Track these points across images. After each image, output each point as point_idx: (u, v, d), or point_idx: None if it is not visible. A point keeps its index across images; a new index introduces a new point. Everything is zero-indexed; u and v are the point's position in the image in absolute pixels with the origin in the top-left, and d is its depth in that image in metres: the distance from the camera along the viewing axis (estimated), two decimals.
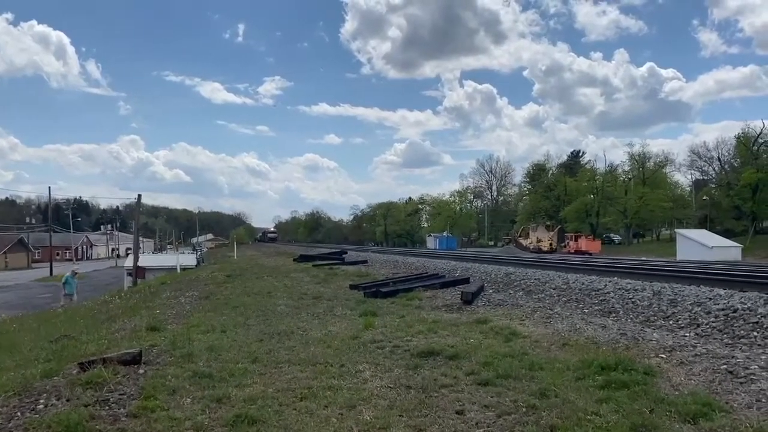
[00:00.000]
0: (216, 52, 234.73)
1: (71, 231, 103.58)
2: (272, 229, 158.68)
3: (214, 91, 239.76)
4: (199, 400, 5.49)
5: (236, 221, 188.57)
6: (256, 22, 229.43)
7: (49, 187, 79.36)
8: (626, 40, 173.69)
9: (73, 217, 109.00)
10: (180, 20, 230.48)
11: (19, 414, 5.11)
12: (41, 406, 5.31)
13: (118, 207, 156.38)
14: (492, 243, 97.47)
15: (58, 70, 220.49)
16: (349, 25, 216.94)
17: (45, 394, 5.62)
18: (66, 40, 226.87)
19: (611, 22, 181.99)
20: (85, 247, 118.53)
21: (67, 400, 5.43)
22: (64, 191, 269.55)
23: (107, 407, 5.29)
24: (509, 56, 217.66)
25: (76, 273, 29.14)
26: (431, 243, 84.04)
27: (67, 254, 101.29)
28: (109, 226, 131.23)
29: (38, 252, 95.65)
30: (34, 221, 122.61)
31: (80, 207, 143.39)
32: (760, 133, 65.20)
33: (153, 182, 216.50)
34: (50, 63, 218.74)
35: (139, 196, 45.28)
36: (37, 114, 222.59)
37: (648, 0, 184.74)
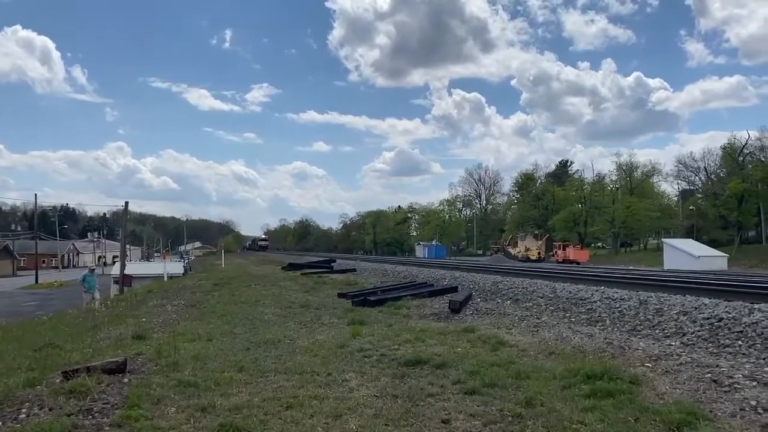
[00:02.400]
0: (203, 59, 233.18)
1: (57, 238, 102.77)
2: (263, 236, 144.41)
3: (201, 97, 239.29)
4: (184, 410, 5.44)
5: (224, 229, 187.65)
6: (243, 28, 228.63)
7: (36, 194, 79.69)
8: (614, 49, 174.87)
9: (59, 224, 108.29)
10: (166, 26, 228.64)
11: (0, 424, 5.04)
12: (23, 416, 5.24)
13: (105, 214, 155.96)
14: (481, 252, 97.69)
15: (43, 76, 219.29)
16: (337, 32, 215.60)
17: (27, 404, 5.55)
18: (51, 45, 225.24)
19: (600, 30, 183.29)
20: (71, 254, 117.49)
21: (50, 410, 5.37)
22: (50, 198, 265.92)
23: (90, 417, 5.23)
24: (497, 65, 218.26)
25: (93, 270, 28.76)
26: (420, 251, 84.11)
27: (53, 262, 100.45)
28: (96, 233, 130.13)
29: (24, 260, 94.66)
30: (19, 228, 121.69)
31: (67, 214, 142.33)
32: (746, 143, 66.03)
33: (140, 189, 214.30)
34: (35, 68, 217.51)
35: (126, 203, 45.08)
36: (22, 120, 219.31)
37: (636, 9, 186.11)
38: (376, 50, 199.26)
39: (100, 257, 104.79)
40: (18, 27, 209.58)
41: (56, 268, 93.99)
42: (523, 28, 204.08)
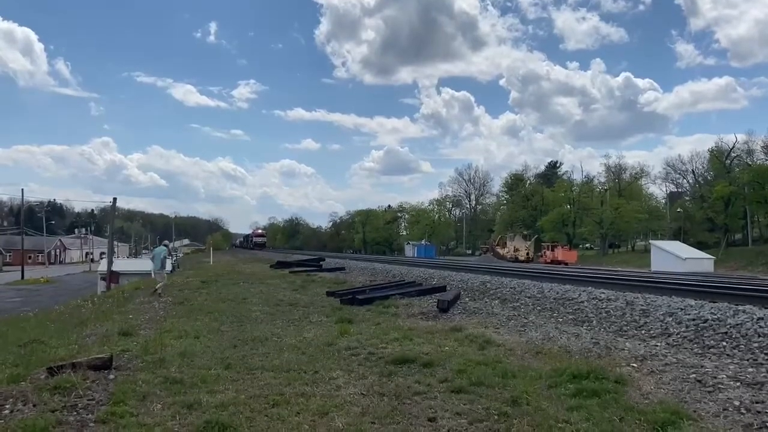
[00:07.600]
0: (188, 53, 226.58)
1: (44, 234, 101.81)
2: (259, 231, 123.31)
3: (187, 93, 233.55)
4: (170, 406, 5.42)
5: (213, 227, 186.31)
6: (228, 21, 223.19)
7: (22, 189, 79.02)
8: (604, 49, 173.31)
9: (46, 220, 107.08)
10: (150, 18, 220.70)
11: None
12: (7, 412, 5.21)
13: (93, 210, 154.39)
14: (470, 252, 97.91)
15: (25, 68, 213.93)
16: (324, 27, 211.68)
17: (11, 400, 5.51)
18: (33, 36, 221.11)
19: (591, 29, 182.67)
20: (58, 250, 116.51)
21: (34, 406, 5.33)
22: (35, 193, 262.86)
23: (75, 413, 5.20)
24: (487, 63, 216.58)
25: (169, 250, 27.77)
26: (409, 251, 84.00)
27: (40, 258, 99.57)
28: (84, 229, 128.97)
29: (9, 255, 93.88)
30: (5, 224, 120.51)
31: (54, 210, 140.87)
32: (733, 147, 66.73)
33: (128, 186, 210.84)
34: (17, 60, 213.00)
35: (114, 199, 44.76)
36: (5, 113, 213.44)
37: (628, 7, 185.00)
38: (364, 46, 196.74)
39: (87, 253, 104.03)
40: None
41: (43, 264, 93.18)
42: (513, 24, 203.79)
